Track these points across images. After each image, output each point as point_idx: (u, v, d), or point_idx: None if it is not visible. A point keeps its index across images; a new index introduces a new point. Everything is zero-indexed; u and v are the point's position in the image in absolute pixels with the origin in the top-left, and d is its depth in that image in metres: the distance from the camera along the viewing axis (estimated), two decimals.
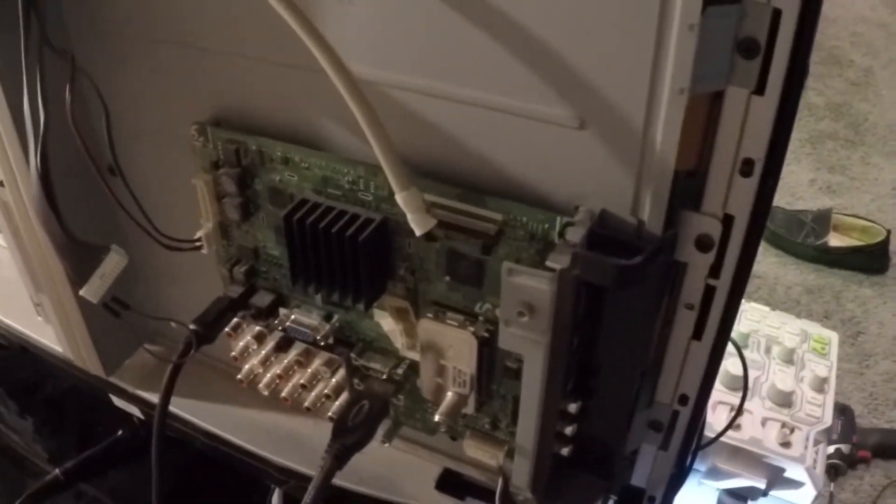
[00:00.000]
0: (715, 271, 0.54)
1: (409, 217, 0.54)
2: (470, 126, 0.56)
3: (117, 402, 0.96)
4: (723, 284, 0.54)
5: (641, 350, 0.56)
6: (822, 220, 2.07)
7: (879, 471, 1.62)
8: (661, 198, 0.51)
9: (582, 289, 0.50)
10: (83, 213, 0.68)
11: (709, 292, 0.55)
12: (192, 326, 0.68)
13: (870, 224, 2.09)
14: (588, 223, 0.52)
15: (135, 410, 0.95)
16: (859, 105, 2.64)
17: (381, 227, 0.60)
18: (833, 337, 0.99)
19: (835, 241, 2.07)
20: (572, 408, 0.57)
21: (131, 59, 0.68)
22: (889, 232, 2.05)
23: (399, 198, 0.53)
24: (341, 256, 0.59)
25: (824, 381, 0.91)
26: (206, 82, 0.65)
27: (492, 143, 0.56)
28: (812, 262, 2.07)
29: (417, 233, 0.54)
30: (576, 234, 0.51)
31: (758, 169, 0.49)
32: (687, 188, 0.51)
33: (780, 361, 0.93)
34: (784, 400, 0.88)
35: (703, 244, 0.53)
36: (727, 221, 0.51)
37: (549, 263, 0.50)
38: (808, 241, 2.06)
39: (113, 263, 0.63)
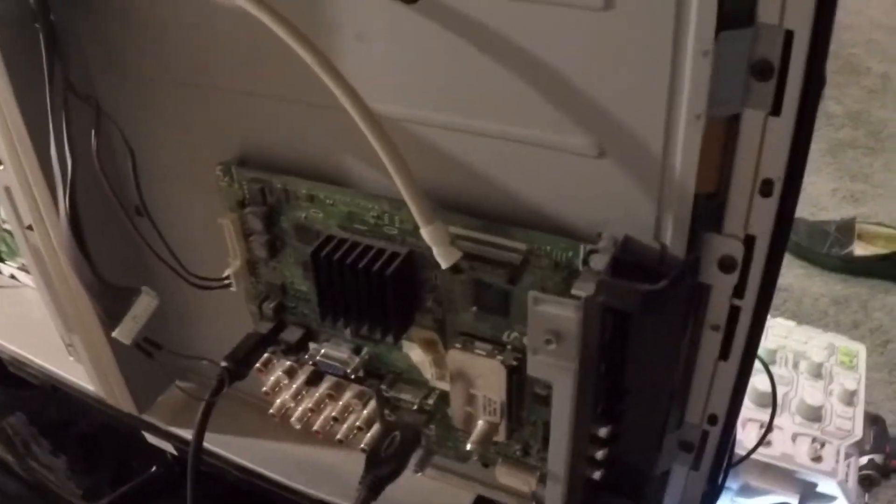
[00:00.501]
0: (739, 291, 0.54)
1: (435, 251, 0.55)
2: (491, 158, 0.57)
3: (150, 438, 0.96)
4: (747, 304, 0.55)
5: (668, 372, 0.57)
6: (846, 230, 2.05)
7: None
8: (682, 221, 0.51)
9: (608, 315, 0.51)
10: (113, 255, 0.69)
11: (734, 312, 0.55)
12: (223, 364, 0.69)
13: (895, 231, 2.07)
14: (611, 250, 0.52)
15: (168, 447, 0.96)
16: (878, 112, 2.62)
17: (408, 261, 0.60)
18: (860, 349, 0.99)
19: (860, 249, 2.05)
20: (602, 432, 0.58)
21: (154, 101, 0.69)
22: None
23: (424, 232, 0.54)
24: (369, 291, 0.60)
25: (853, 393, 0.91)
26: (230, 123, 0.66)
27: (513, 174, 0.57)
28: (838, 273, 2.05)
29: (443, 266, 0.55)
30: (600, 262, 0.51)
31: (777, 188, 0.49)
32: (708, 210, 0.52)
33: (808, 376, 0.93)
34: (813, 415, 0.88)
35: (725, 265, 0.53)
36: (749, 242, 0.52)
37: (574, 291, 0.51)
38: (832, 251, 2.04)
39: (144, 305, 0.64)
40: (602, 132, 0.51)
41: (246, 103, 0.65)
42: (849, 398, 0.91)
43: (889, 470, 1.56)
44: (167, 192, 0.73)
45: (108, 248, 0.69)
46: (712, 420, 0.62)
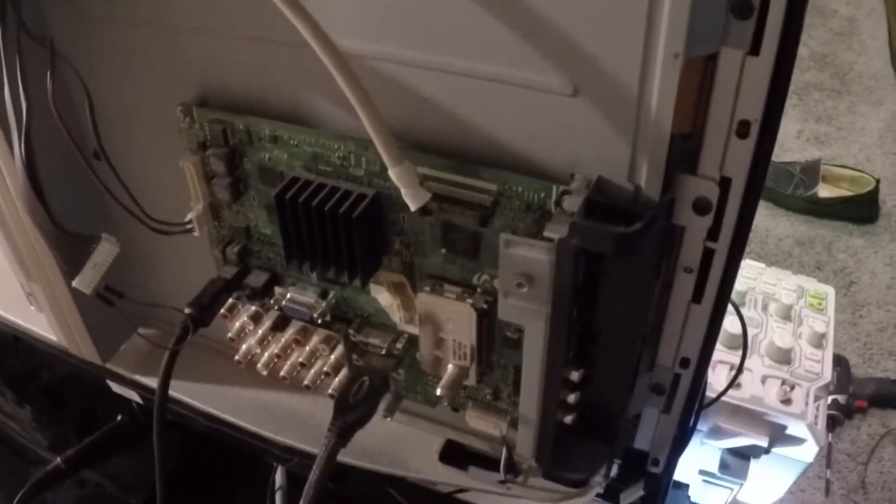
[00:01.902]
0: (713, 234, 0.53)
1: (404, 192, 0.53)
2: (461, 97, 0.55)
3: (115, 387, 0.95)
4: (721, 247, 0.54)
5: (641, 315, 0.56)
6: (811, 171, 2.06)
7: (876, 420, 1.63)
8: (657, 163, 0.50)
9: (581, 257, 0.50)
10: (71, 202, 0.67)
11: (707, 255, 0.55)
12: (187, 311, 0.67)
13: (859, 174, 2.09)
14: (585, 191, 0.51)
15: (133, 396, 0.95)
16: (844, 55, 2.63)
17: (375, 203, 0.59)
18: (829, 292, 0.99)
19: (824, 191, 2.07)
20: (574, 376, 0.57)
21: (112, 42, 0.67)
22: (878, 181, 2.05)
23: (392, 173, 0.52)
24: (335, 233, 0.59)
25: (822, 336, 0.91)
26: (190, 62, 0.64)
27: (484, 113, 0.55)
28: (802, 214, 2.06)
29: (412, 207, 0.54)
30: (573, 203, 0.50)
31: (754, 130, 0.48)
32: (683, 152, 0.51)
33: (777, 318, 0.93)
34: (783, 357, 0.88)
35: (700, 207, 0.52)
36: (724, 184, 0.51)
37: (546, 233, 0.50)
38: (797, 192, 2.05)
39: (105, 252, 0.63)
40: (576, 70, 0.50)
41: (206, 42, 0.62)
42: (818, 341, 0.91)
43: (853, 410, 1.58)
44: (126, 136, 0.71)
45: (67, 195, 0.67)
46: (684, 363, 0.62)
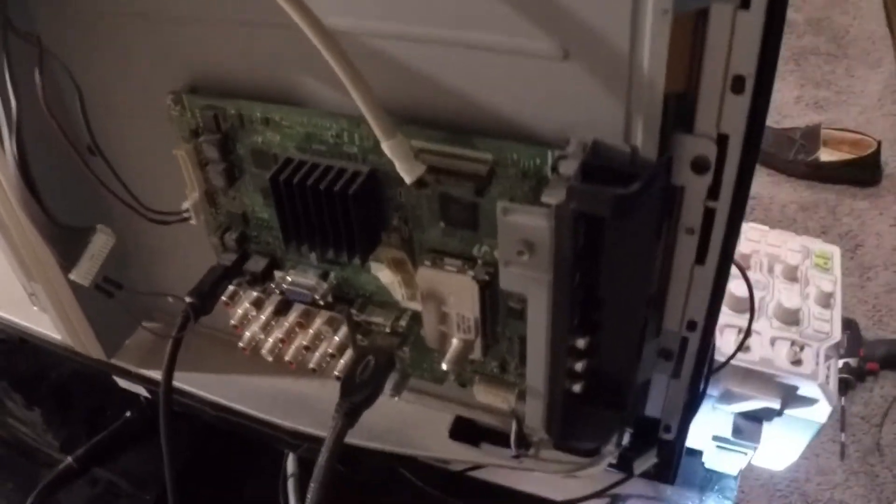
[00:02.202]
0: (713, 193, 0.53)
1: (398, 166, 0.53)
2: (451, 67, 0.54)
3: (122, 383, 0.95)
4: (722, 205, 0.53)
5: (645, 278, 0.55)
6: (812, 136, 2.06)
7: (889, 382, 1.63)
8: (653, 122, 0.50)
9: (580, 222, 0.49)
10: (67, 196, 0.66)
11: (709, 215, 0.54)
12: (188, 299, 0.67)
13: (860, 136, 2.08)
14: (581, 155, 0.50)
15: (140, 390, 0.95)
16: (839, 18, 2.62)
17: (370, 179, 0.58)
18: (835, 251, 0.98)
19: (826, 156, 2.06)
20: (580, 343, 0.56)
21: (99, 35, 0.66)
22: (879, 143, 2.04)
23: (385, 147, 0.52)
24: (332, 212, 0.58)
25: (830, 296, 0.90)
26: (177, 50, 0.64)
27: (475, 82, 0.54)
28: (805, 179, 2.06)
29: (407, 181, 0.53)
30: (569, 167, 0.50)
31: (749, 85, 0.47)
32: (679, 111, 0.50)
33: (783, 280, 0.92)
34: (791, 318, 0.87)
35: (699, 166, 0.51)
36: (722, 141, 0.50)
37: (544, 199, 0.49)
38: (798, 157, 2.05)
39: (101, 243, 0.62)
40: (565, 33, 0.49)
41: (193, 28, 0.62)
42: (826, 300, 0.90)
43: (864, 373, 1.58)
44: (119, 128, 0.71)
45: (62, 190, 0.67)
46: (691, 326, 0.61)
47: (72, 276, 0.62)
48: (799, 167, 2.05)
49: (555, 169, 0.52)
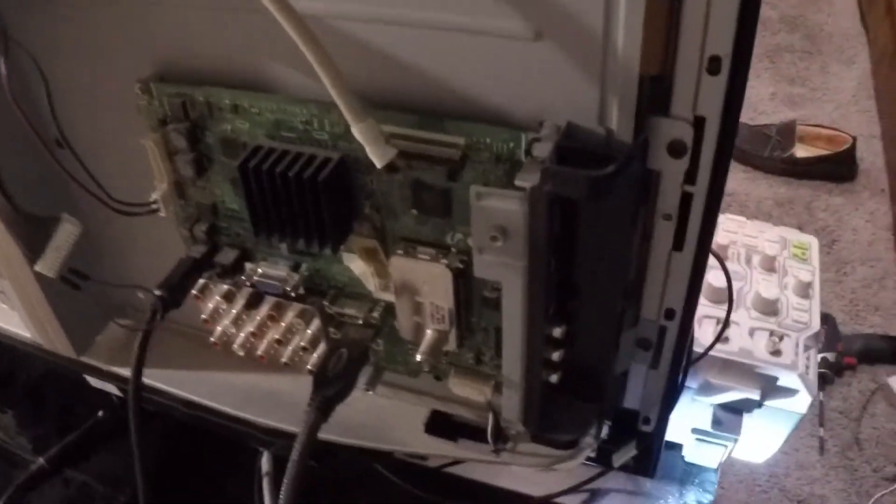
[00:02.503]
0: (690, 177, 0.52)
1: (368, 150, 0.52)
2: (421, 49, 0.53)
3: (93, 382, 0.94)
4: (700, 190, 0.52)
5: (621, 265, 0.55)
6: (787, 132, 2.06)
7: (866, 376, 1.63)
8: (628, 104, 0.49)
9: (555, 206, 0.49)
10: (33, 188, 0.66)
11: (686, 200, 0.53)
12: (157, 292, 0.65)
13: (835, 132, 2.08)
14: (555, 137, 0.49)
15: (112, 388, 0.93)
16: (814, 16, 2.63)
17: (341, 166, 0.57)
18: (813, 242, 0.97)
19: (801, 152, 2.06)
20: (557, 332, 0.56)
21: (65, 24, 0.64)
22: (854, 139, 2.05)
23: (355, 130, 0.51)
24: (302, 200, 0.57)
25: (808, 286, 0.90)
26: (145, 38, 0.62)
27: (446, 65, 0.53)
28: (781, 175, 2.06)
29: (378, 165, 0.52)
30: (543, 150, 0.49)
31: (725, 66, 0.46)
32: (654, 94, 0.49)
33: (761, 270, 0.91)
34: (770, 308, 0.87)
35: (675, 150, 0.51)
36: (699, 124, 0.49)
37: (518, 182, 0.48)
38: (774, 154, 2.05)
39: (66, 233, 0.61)
40: (537, 13, 0.48)
41: (161, 15, 0.60)
42: (804, 290, 0.89)
43: (842, 367, 1.58)
44: (87, 118, 0.69)
45: (27, 180, 0.66)
46: (669, 315, 0.60)
47: (37, 268, 0.61)
48: (775, 163, 2.05)
49: (528, 152, 0.51)
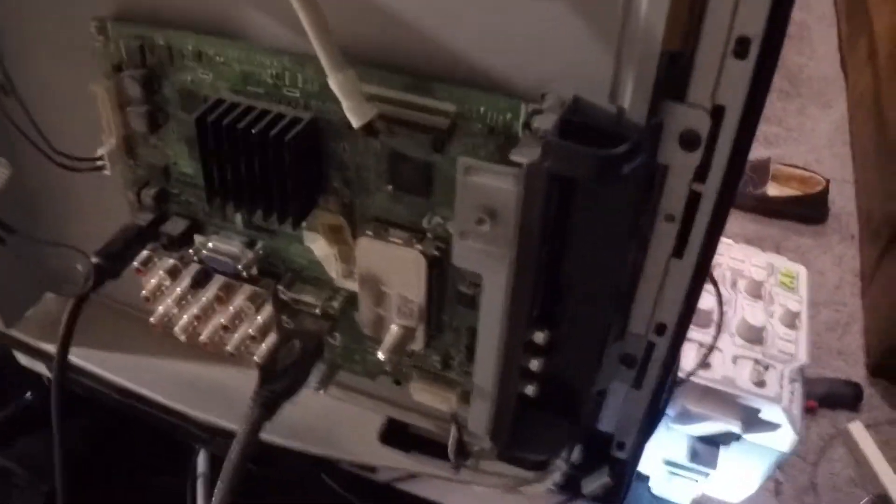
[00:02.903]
0: (701, 174, 0.46)
1: (346, 106, 0.46)
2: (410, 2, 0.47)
3: (23, 360, 0.86)
4: (710, 190, 0.47)
5: (619, 266, 0.49)
6: (761, 170, 2.04)
7: (826, 420, 1.61)
8: (645, 80, 0.43)
9: (554, 186, 0.43)
10: None
11: (693, 200, 0.48)
12: (94, 259, 0.59)
13: (809, 174, 2.07)
14: (559, 110, 0.44)
15: (42, 368, 0.86)
16: (795, 58, 2.63)
17: (311, 127, 0.51)
18: (801, 271, 0.93)
19: (774, 190, 2.05)
20: (539, 337, 0.50)
21: None
22: (828, 182, 2.04)
23: (333, 82, 0.45)
24: (263, 164, 0.51)
25: (796, 316, 0.86)
26: None
27: (440, 19, 0.47)
28: (751, 213, 2.04)
29: (355, 124, 0.46)
30: (545, 123, 0.43)
31: (754, 49, 0.41)
32: (670, 75, 0.44)
33: (747, 296, 0.87)
34: (755, 336, 0.83)
35: (688, 141, 0.45)
36: (717, 114, 0.44)
37: (513, 157, 0.43)
38: (746, 190, 2.03)
39: None
40: None
41: None
42: (791, 320, 0.85)
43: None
44: (34, 60, 0.63)
45: None
46: (660, 330, 0.55)
47: None
48: (746, 200, 2.03)
49: (527, 125, 0.45)
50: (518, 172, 0.42)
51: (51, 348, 0.78)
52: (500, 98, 0.46)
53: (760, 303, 0.87)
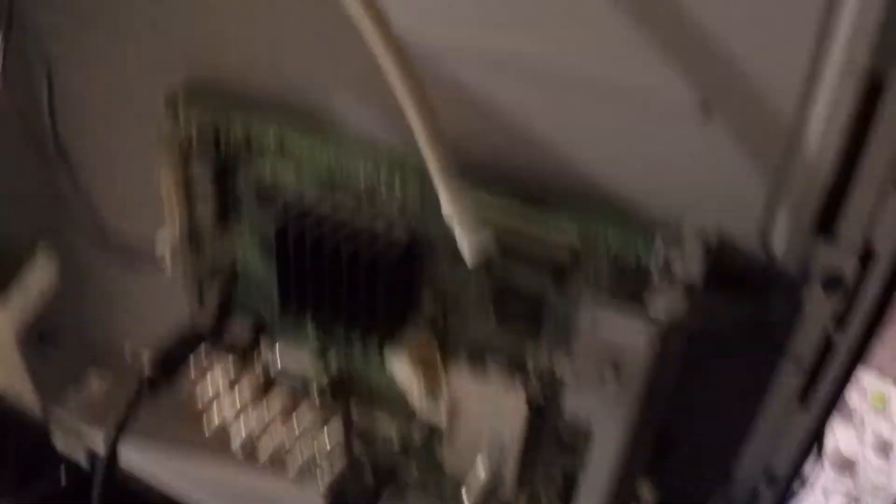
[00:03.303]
0: (840, 321, 0.40)
1: (460, 239, 0.40)
2: (538, 107, 0.41)
3: (59, 442, 0.81)
4: (848, 338, 0.40)
5: (744, 421, 0.44)
6: None
7: None
8: (803, 217, 0.38)
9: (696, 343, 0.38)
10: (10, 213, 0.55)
11: (826, 347, 0.41)
12: (147, 365, 0.53)
13: None
14: (701, 250, 0.38)
15: (79, 455, 0.80)
16: None
17: (409, 251, 0.46)
18: (894, 392, 0.86)
19: None
20: (647, 496, 0.45)
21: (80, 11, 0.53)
22: None
23: (448, 209, 0.39)
24: (352, 284, 0.45)
25: (888, 444, 0.79)
26: (180, 40, 0.51)
27: (567, 132, 0.42)
28: None
29: (470, 262, 0.40)
30: (689, 265, 0.37)
31: None
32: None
33: (838, 419, 0.81)
34: (847, 466, 0.76)
35: (829, 283, 0.39)
36: (866, 257, 0.38)
37: (652, 310, 0.37)
38: None
39: (41, 271, 0.49)
40: (711, 79, 0.37)
41: (201, 10, 0.49)
42: (884, 449, 0.79)
43: None
44: (90, 133, 0.58)
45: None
46: (771, 480, 0.48)
47: None
48: None
49: (665, 264, 0.39)
50: (655, 325, 0.37)
51: (93, 432, 0.73)
52: (632, 229, 0.40)
53: (851, 429, 0.81)
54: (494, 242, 0.40)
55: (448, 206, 0.38)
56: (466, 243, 0.39)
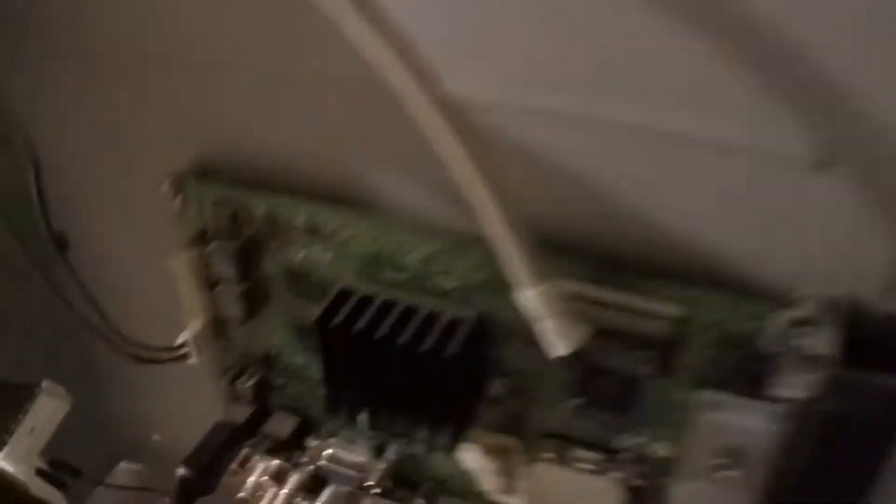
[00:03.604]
0: None
1: (549, 328, 0.33)
2: (633, 169, 0.36)
3: None
4: None
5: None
6: None
7: None
8: None
9: (831, 427, 0.32)
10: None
11: None
12: (181, 471, 0.47)
13: None
14: (828, 320, 0.32)
15: None
16: None
17: (476, 332, 0.39)
18: None
19: None
20: None
21: (74, 86, 0.48)
22: None
23: (529, 296, 0.32)
24: (413, 378, 0.39)
25: None
26: (188, 113, 0.45)
27: (667, 197, 0.36)
28: None
29: (560, 351, 0.34)
30: (821, 339, 0.32)
31: None
32: None
33: None
34: None
35: None
36: None
37: (779, 390, 0.31)
38: None
39: (46, 410, 0.43)
40: (836, 127, 0.31)
41: (213, 82, 0.44)
42: None
43: None
44: (96, 220, 0.53)
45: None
46: None
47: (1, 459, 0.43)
48: None
49: (789, 339, 0.33)
50: (782, 411, 0.31)
51: None
52: (741, 301, 0.35)
53: None
54: (587, 327, 0.34)
55: (528, 292, 0.32)
56: (553, 333, 0.33)
